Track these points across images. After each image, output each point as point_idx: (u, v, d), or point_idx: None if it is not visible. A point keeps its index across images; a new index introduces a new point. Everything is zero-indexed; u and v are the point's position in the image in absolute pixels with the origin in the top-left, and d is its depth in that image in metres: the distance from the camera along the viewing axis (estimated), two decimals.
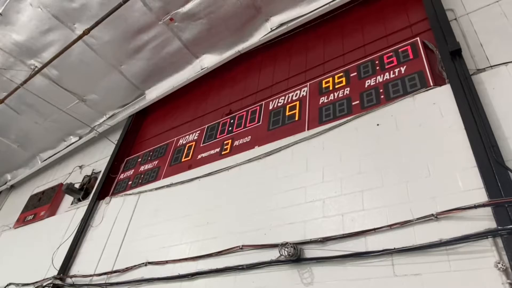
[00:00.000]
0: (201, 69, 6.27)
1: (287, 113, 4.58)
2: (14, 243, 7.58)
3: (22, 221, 7.85)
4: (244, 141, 4.78)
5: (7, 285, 6.25)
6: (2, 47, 6.32)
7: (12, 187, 9.95)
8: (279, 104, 4.82)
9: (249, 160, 4.39)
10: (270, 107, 4.90)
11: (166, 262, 4.20)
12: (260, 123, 4.81)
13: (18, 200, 9.02)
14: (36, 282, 5.64)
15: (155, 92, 6.98)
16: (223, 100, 5.98)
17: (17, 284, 6.05)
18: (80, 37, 5.68)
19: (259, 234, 3.61)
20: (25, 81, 6.53)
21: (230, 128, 5.18)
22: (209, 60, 6.26)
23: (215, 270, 3.66)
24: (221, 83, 6.36)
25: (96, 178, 6.93)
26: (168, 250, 4.35)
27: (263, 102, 5.07)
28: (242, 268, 3.46)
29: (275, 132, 4.50)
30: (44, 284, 5.45)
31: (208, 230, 4.15)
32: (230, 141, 4.98)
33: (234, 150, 4.78)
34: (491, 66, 3.28)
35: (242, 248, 3.59)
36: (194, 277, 3.80)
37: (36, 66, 6.50)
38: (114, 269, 4.75)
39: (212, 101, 6.23)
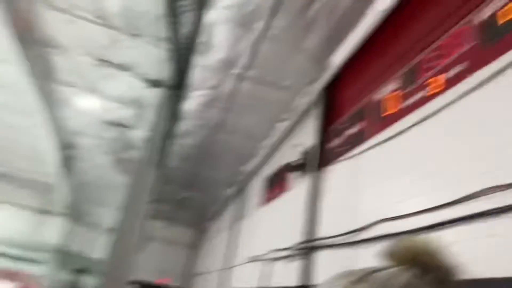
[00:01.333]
0: (380, 12, 5.75)
1: (500, 22, 3.61)
2: (263, 219, 9.34)
3: (267, 200, 9.55)
4: (456, 72, 4.09)
5: (270, 251, 7.75)
6: (210, 66, 7.79)
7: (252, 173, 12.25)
8: (485, 17, 3.86)
9: (466, 93, 3.75)
10: (476, 22, 3.99)
11: (401, 217, 4.14)
12: (472, 44, 3.99)
13: (257, 184, 11.04)
14: (290, 247, 6.72)
15: (339, 57, 6.95)
16: (414, 36, 5.28)
17: (279, 249, 7.39)
18: (263, 34, 6.31)
19: (503, 174, 3.03)
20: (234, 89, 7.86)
21: (433, 63, 4.55)
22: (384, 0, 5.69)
23: (461, 219, 3.33)
24: (406, 19, 5.64)
25: (310, 153, 7.57)
26: (401, 205, 4.26)
27: (466, 19, 4.18)
28: (496, 212, 3.01)
29: (492, 49, 3.64)
30: (298, 247, 6.43)
31: (439, 179, 3.81)
32: (438, 77, 4.37)
33: (448, 84, 4.16)
34: None
35: (489, 191, 3.11)
36: (435, 228, 3.59)
37: (238, 74, 7.70)
38: (351, 229, 5.07)
39: (402, 43, 5.61)
